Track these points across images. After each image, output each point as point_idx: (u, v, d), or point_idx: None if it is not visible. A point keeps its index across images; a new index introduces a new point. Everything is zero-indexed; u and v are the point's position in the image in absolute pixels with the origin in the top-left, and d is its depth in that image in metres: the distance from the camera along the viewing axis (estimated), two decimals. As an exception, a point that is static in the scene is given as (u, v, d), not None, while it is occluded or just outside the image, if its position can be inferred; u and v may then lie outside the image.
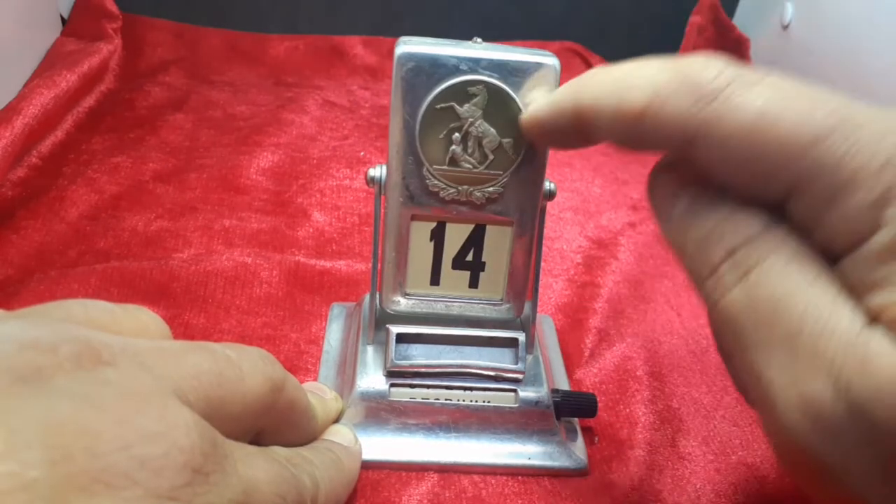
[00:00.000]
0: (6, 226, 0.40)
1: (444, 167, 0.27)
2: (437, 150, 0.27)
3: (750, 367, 0.18)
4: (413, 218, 0.28)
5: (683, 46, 0.66)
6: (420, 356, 0.29)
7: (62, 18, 0.59)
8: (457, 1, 0.70)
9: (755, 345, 0.18)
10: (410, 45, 0.26)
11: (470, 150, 0.27)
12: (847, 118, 0.17)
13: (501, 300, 0.30)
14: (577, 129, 0.22)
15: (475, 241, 0.29)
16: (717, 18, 0.66)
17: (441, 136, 0.26)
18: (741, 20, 0.68)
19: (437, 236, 0.29)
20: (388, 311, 0.30)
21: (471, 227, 0.29)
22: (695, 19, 0.66)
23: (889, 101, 0.49)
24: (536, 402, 0.29)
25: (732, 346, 0.19)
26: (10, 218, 0.41)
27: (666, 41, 0.68)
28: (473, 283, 0.30)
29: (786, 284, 0.18)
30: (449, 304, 0.30)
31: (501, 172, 0.27)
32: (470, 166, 0.27)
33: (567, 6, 0.71)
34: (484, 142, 0.27)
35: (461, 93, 0.26)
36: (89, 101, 0.53)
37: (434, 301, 0.30)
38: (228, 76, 0.62)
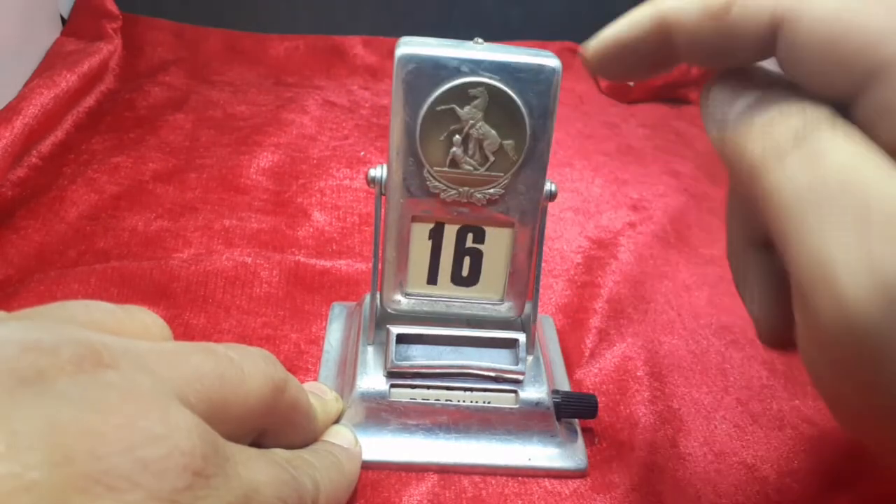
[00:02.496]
0: (6, 226, 0.40)
1: (445, 169, 0.27)
2: (438, 151, 0.27)
3: (808, 250, 0.17)
4: (413, 219, 0.28)
5: (683, 46, 0.66)
6: (420, 357, 0.29)
7: (62, 18, 0.59)
8: (457, 1, 0.70)
9: (819, 222, 0.17)
10: (411, 47, 0.26)
11: (471, 152, 0.27)
12: None
13: (502, 300, 0.30)
14: (658, 44, 0.21)
15: (476, 241, 0.29)
16: (717, 18, 0.66)
17: (441, 137, 0.26)
18: (741, 20, 0.68)
19: (436, 237, 0.29)
20: (389, 310, 0.30)
21: (471, 227, 0.29)
22: (695, 19, 0.66)
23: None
24: (537, 403, 0.29)
25: (786, 229, 0.18)
26: (10, 218, 0.41)
27: (666, 41, 0.68)
28: (473, 283, 0.30)
29: (855, 160, 0.17)
30: (449, 303, 0.30)
31: (502, 174, 0.27)
32: (471, 168, 0.27)
33: (567, 6, 0.71)
34: (485, 143, 0.27)
35: (462, 95, 0.26)
36: (89, 101, 0.53)
37: (435, 301, 0.30)
38: (228, 76, 0.62)
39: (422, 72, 0.25)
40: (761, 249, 0.23)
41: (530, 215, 0.28)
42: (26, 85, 0.50)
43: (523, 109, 0.26)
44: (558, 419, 0.30)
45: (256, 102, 0.58)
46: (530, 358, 0.30)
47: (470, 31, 0.71)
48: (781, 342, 0.22)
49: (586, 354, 0.36)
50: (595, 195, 0.50)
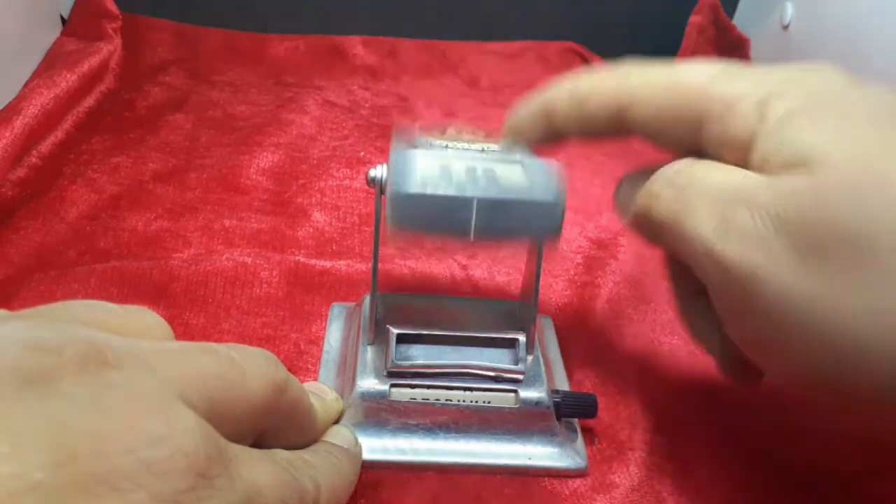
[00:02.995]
0: (6, 226, 0.40)
1: None
2: None
3: (687, 242, 0.23)
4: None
5: (683, 46, 0.66)
6: (420, 357, 0.29)
7: (62, 18, 0.59)
8: (457, 1, 0.70)
9: (689, 222, 0.23)
10: (401, 187, 0.26)
11: None
12: (727, 69, 0.25)
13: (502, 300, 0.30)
14: (545, 123, 0.28)
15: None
16: (717, 18, 0.66)
17: None
18: (741, 20, 0.68)
19: None
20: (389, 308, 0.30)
21: None
22: (695, 19, 0.66)
23: (889, 102, 0.49)
24: (537, 403, 0.29)
25: (673, 239, 0.24)
26: (9, 218, 0.41)
27: (666, 41, 0.68)
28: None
29: (708, 171, 0.24)
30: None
31: None
32: None
33: (567, 6, 0.71)
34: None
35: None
36: (89, 101, 0.53)
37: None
38: (228, 76, 0.62)
39: (411, 213, 0.26)
40: (700, 295, 0.27)
41: None
42: (26, 85, 0.50)
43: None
44: (558, 419, 0.30)
45: (256, 102, 0.58)
46: (530, 358, 0.30)
47: (470, 31, 0.71)
48: (742, 373, 0.27)
49: (586, 354, 0.36)
50: (595, 195, 0.50)
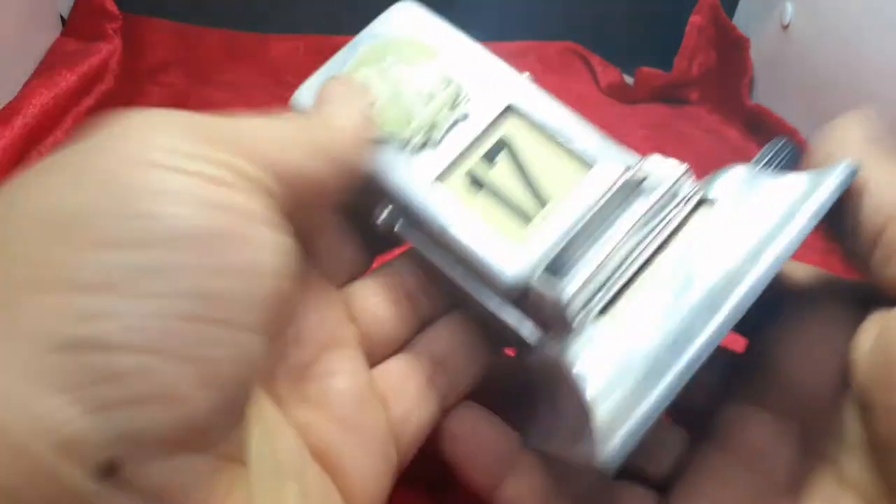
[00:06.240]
0: (6, 226, 0.40)
1: None
2: None
3: None
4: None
5: (683, 46, 0.66)
6: None
7: (62, 18, 0.59)
8: (456, 1, 0.70)
9: None
10: None
11: None
12: None
13: None
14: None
15: None
16: (717, 18, 0.66)
17: None
18: (741, 20, 0.68)
19: None
20: None
21: None
22: (695, 19, 0.66)
23: (889, 101, 0.49)
24: None
25: None
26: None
27: (666, 41, 0.68)
28: None
29: None
30: None
31: None
32: None
33: (567, 6, 0.71)
34: None
35: None
36: (89, 101, 0.53)
37: None
38: (228, 76, 0.62)
39: None
40: None
41: None
42: (26, 85, 0.50)
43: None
44: None
45: (256, 102, 0.57)
46: None
47: (470, 31, 0.71)
48: None
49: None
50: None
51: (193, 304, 0.15)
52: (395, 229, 0.24)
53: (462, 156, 0.25)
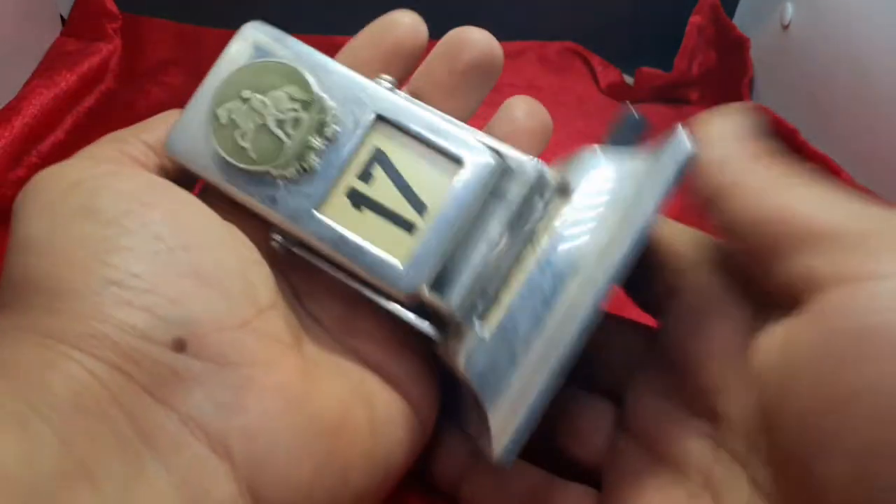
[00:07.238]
0: (6, 226, 0.40)
1: None
2: None
3: None
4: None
5: (683, 46, 0.66)
6: None
7: (62, 18, 0.59)
8: (456, 1, 0.70)
9: None
10: None
11: None
12: None
13: None
14: None
15: None
16: (717, 18, 0.66)
17: None
18: (741, 20, 0.68)
19: None
20: None
21: None
22: (695, 19, 0.66)
23: (889, 101, 0.49)
24: None
25: None
26: (10, 218, 0.41)
27: (666, 41, 0.68)
28: None
29: None
30: None
31: None
32: None
33: (567, 6, 0.71)
34: None
35: None
36: (89, 101, 0.53)
37: None
38: (228, 76, 0.62)
39: None
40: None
41: None
42: (26, 85, 0.50)
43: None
44: None
45: (256, 102, 0.58)
46: None
47: (470, 31, 0.71)
48: None
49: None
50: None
51: None
52: (294, 251, 0.25)
53: (339, 178, 0.25)
